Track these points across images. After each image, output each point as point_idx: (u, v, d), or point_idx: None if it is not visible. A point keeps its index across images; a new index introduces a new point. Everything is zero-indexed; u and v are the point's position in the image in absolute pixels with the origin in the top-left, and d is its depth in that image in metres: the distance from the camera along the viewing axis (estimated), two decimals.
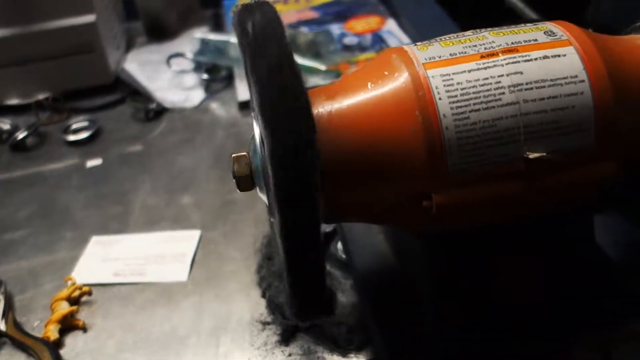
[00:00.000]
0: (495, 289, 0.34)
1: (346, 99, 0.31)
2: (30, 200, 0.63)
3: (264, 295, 0.48)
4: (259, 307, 0.48)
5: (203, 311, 0.48)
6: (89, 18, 0.76)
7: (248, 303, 0.48)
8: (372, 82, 0.31)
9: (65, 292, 0.49)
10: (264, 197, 0.34)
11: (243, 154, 0.33)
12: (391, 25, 0.85)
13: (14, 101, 0.78)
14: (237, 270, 0.52)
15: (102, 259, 0.54)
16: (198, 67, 0.81)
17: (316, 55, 0.79)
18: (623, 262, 0.38)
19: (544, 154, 0.29)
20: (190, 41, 0.89)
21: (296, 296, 0.28)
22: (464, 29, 0.81)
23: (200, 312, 0.48)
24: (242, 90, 0.75)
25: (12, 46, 0.75)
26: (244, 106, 0.74)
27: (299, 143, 0.26)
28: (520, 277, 0.33)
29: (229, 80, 0.79)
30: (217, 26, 0.93)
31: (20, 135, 0.71)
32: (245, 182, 0.33)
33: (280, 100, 0.26)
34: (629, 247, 0.40)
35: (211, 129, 0.72)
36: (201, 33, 0.83)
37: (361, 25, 0.87)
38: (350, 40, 0.83)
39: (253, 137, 0.33)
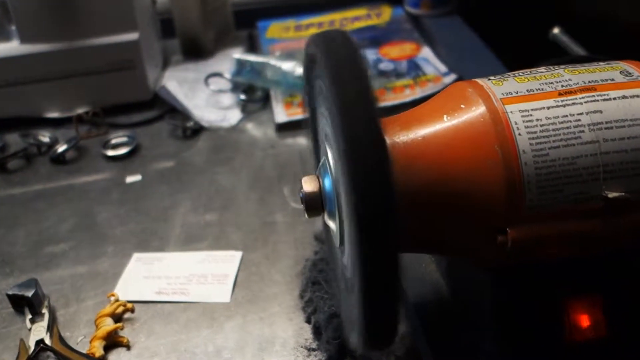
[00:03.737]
0: (560, 325, 0.33)
1: (421, 130, 0.31)
2: (71, 214, 0.63)
3: (308, 320, 0.48)
4: (302, 332, 0.48)
5: (246, 334, 0.48)
6: (132, 36, 0.77)
7: (292, 327, 0.48)
8: (447, 115, 0.31)
9: (109, 309, 0.49)
10: (332, 224, 0.34)
11: (313, 176, 0.34)
12: (426, 52, 0.86)
13: (54, 114, 0.79)
14: (279, 293, 0.52)
15: (145, 276, 0.54)
16: (235, 88, 0.81)
17: None
18: None
19: (623, 193, 0.29)
20: (225, 61, 0.90)
21: (372, 327, 0.28)
22: (502, 56, 0.81)
23: (243, 334, 0.48)
24: (280, 113, 0.76)
25: (56, 60, 0.76)
26: (282, 128, 0.75)
27: (380, 173, 0.26)
28: (587, 314, 0.33)
29: (265, 102, 0.80)
30: (252, 47, 0.94)
31: (61, 148, 0.71)
32: (315, 207, 0.33)
33: (362, 132, 0.26)
34: None
35: (249, 149, 0.72)
36: (238, 54, 0.84)
37: (396, 51, 0.87)
38: (385, 66, 0.84)
39: (324, 162, 0.33)
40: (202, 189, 0.66)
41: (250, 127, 0.77)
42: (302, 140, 0.73)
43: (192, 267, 0.55)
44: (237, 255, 0.56)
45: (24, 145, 0.73)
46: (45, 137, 0.75)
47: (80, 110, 0.78)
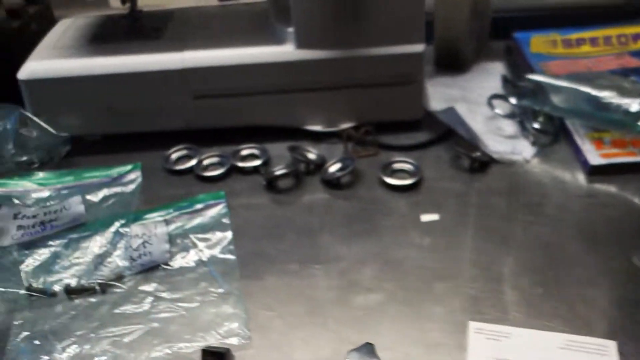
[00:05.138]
0: None
1: None
2: (371, 255, 0.55)
3: None
4: None
5: None
6: (417, 48, 0.67)
7: None
8: None
9: None
10: None
11: None
12: None
13: (316, 127, 0.71)
14: None
15: (495, 357, 0.44)
16: (516, 113, 0.70)
17: None
18: None
19: None
20: (485, 76, 0.80)
21: None
22: None
23: None
24: (590, 152, 0.63)
25: (329, 69, 0.68)
26: (595, 171, 0.62)
27: None
28: None
29: (557, 134, 0.68)
30: (512, 62, 0.82)
31: (333, 168, 0.64)
32: None
33: None
34: None
35: (559, 195, 0.60)
36: (533, 75, 0.72)
37: None
38: None
39: None
40: (520, 242, 0.55)
41: (546, 165, 0.65)
42: (630, 191, 0.60)
43: (553, 354, 0.44)
44: (609, 345, 0.44)
45: (289, 161, 0.66)
46: (312, 154, 0.67)
47: (344, 126, 0.70)
